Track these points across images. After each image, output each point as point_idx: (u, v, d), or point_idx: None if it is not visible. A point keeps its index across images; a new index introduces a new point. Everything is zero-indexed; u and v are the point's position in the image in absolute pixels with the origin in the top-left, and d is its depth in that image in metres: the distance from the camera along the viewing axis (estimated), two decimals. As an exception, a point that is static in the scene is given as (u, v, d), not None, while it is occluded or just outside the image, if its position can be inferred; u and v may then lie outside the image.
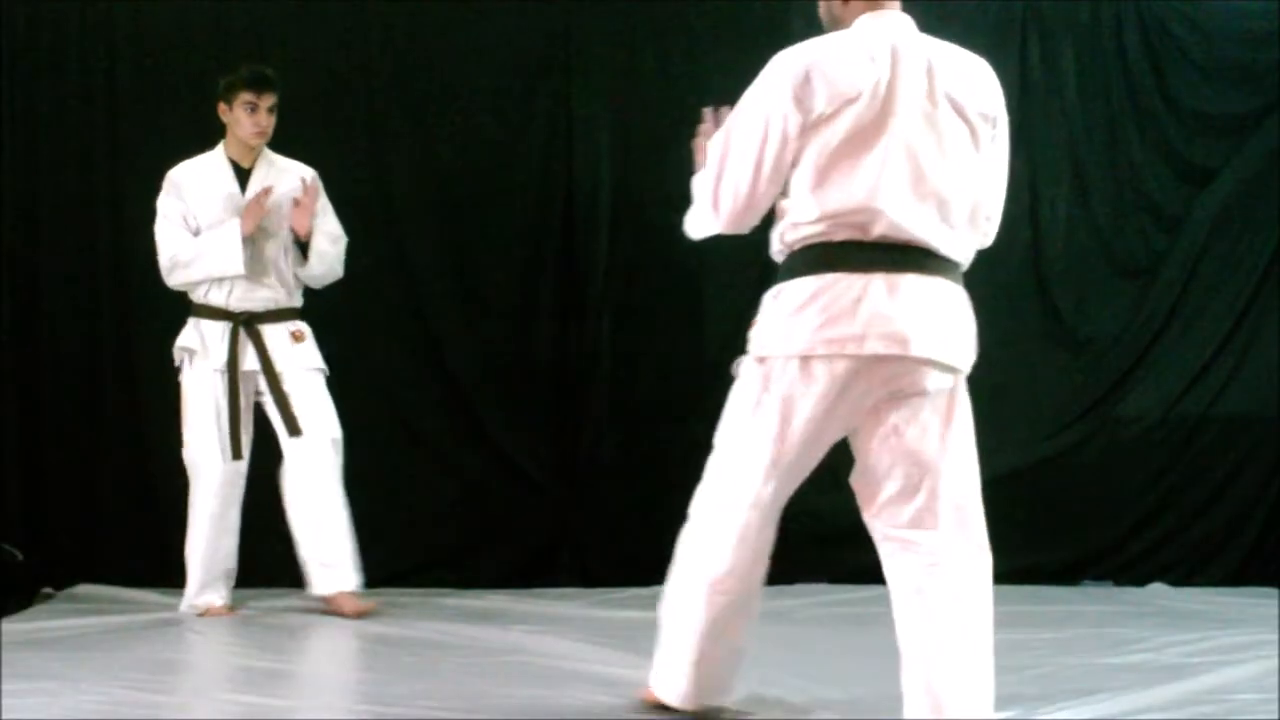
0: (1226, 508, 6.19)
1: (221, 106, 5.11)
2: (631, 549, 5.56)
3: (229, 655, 4.27)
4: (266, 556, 5.24)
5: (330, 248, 5.16)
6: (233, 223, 5.01)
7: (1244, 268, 6.25)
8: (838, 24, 3.29)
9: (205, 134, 5.96)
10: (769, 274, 6.15)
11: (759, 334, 3.20)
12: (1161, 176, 6.30)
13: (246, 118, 5.07)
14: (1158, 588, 5.96)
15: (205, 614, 4.96)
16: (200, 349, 5.06)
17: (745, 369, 3.23)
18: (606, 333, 5.97)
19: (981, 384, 6.15)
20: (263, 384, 5.05)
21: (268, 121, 5.12)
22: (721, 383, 6.42)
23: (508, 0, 6.05)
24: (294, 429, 4.99)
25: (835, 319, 3.04)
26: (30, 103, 5.88)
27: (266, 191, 5.04)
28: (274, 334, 5.09)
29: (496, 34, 6.05)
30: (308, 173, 5.19)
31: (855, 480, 3.24)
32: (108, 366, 5.89)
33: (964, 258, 3.16)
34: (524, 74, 6.09)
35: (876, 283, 3.03)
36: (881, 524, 3.23)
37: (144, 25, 5.94)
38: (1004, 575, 5.83)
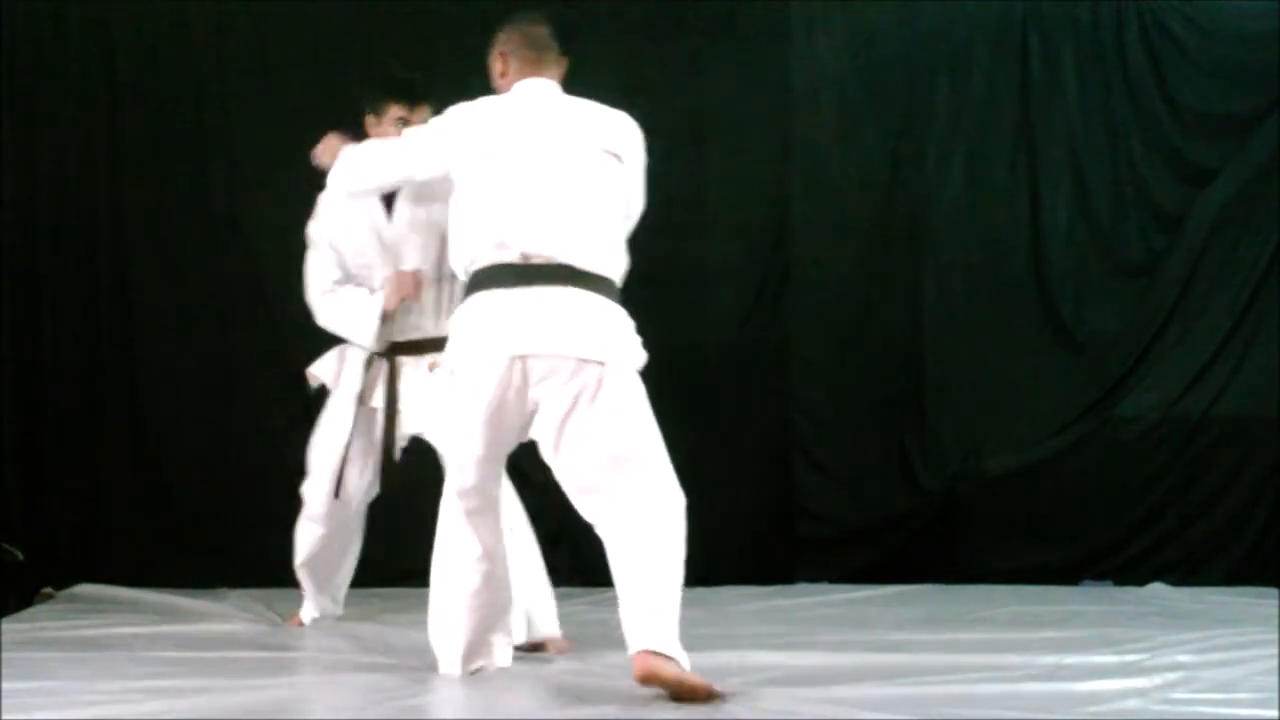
0: (1226, 508, 6.19)
1: (369, 119, 4.60)
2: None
3: (229, 654, 4.26)
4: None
5: None
6: (376, 298, 4.53)
7: (1244, 268, 6.25)
8: (501, 91, 3.97)
9: (205, 134, 5.99)
10: (769, 275, 6.26)
11: (450, 344, 3.80)
12: (1161, 176, 6.30)
13: (397, 135, 4.43)
14: (1158, 588, 5.96)
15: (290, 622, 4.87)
16: (333, 379, 4.68)
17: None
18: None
19: (982, 384, 6.28)
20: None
21: None
22: (721, 382, 6.44)
23: (507, 1, 6.05)
24: (388, 479, 4.70)
25: (485, 328, 3.67)
26: (30, 103, 5.88)
27: (415, 276, 4.50)
28: (412, 367, 4.59)
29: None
30: None
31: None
32: (108, 366, 5.90)
33: (609, 271, 3.73)
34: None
35: (517, 295, 3.65)
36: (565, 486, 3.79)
37: (144, 25, 5.94)
38: (1004, 575, 5.97)
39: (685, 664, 3.49)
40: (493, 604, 3.86)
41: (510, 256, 3.67)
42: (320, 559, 4.84)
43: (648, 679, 3.45)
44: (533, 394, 3.64)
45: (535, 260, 3.66)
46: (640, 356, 3.77)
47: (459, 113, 3.89)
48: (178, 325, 5.91)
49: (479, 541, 3.82)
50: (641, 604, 3.53)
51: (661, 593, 3.55)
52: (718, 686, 3.51)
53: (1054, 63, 6.27)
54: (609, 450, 3.63)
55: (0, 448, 5.78)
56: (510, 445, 3.81)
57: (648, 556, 3.58)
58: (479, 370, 3.66)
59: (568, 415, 3.63)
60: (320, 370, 4.75)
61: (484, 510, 3.83)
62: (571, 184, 3.72)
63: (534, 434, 3.72)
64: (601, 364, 3.64)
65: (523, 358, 3.62)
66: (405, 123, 4.53)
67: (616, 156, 3.79)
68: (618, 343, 3.70)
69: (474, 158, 3.78)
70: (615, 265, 3.76)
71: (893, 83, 6.25)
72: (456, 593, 3.83)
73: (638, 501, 3.62)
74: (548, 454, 3.73)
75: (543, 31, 3.99)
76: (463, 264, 3.80)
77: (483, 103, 3.91)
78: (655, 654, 3.45)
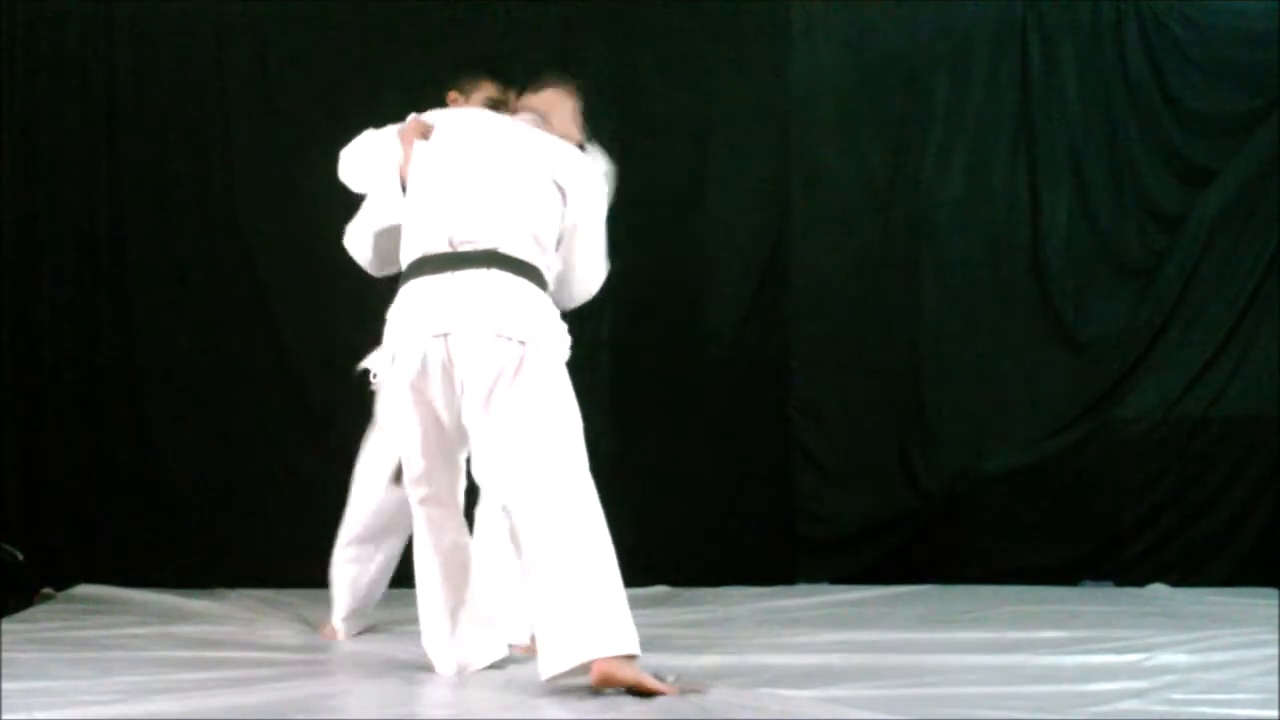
0: (1226, 508, 6.19)
1: (453, 95, 4.47)
2: (630, 548, 5.55)
3: (229, 654, 4.26)
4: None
5: None
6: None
7: (1244, 268, 6.25)
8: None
9: (205, 134, 5.99)
10: (769, 274, 6.26)
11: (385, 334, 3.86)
12: (1161, 176, 6.30)
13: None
14: (1158, 588, 5.96)
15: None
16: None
17: None
18: (606, 332, 5.97)
19: (982, 384, 6.28)
20: None
21: None
22: (721, 382, 6.43)
23: (507, 0, 6.05)
24: None
25: (408, 314, 3.74)
26: (30, 103, 5.88)
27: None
28: None
29: (496, 34, 6.05)
30: None
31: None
32: (108, 366, 5.90)
33: (535, 261, 3.78)
34: (523, 74, 6.07)
35: (442, 279, 3.72)
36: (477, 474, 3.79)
37: (144, 25, 5.95)
38: (1004, 575, 5.97)
39: (636, 648, 3.48)
40: (457, 596, 3.87)
41: (439, 245, 3.75)
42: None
43: (604, 682, 3.46)
44: (458, 375, 3.67)
45: (462, 247, 3.74)
46: (564, 344, 3.79)
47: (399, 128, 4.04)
48: (177, 325, 5.91)
49: (431, 532, 3.87)
50: (573, 613, 3.47)
51: (591, 594, 3.49)
52: (672, 688, 3.50)
53: (1054, 63, 6.27)
54: (525, 432, 3.61)
55: (0, 448, 5.78)
56: (456, 432, 3.77)
57: (566, 558, 3.53)
58: (403, 351, 3.72)
59: (490, 394, 3.63)
60: (374, 362, 4.52)
61: (438, 500, 3.86)
62: (502, 181, 3.80)
63: (465, 420, 3.70)
64: (523, 343, 3.66)
65: (444, 335, 3.67)
66: (496, 104, 4.38)
67: (560, 189, 3.86)
68: (539, 325, 3.72)
69: (418, 161, 3.89)
70: (542, 259, 3.81)
71: (893, 83, 6.26)
72: (424, 583, 3.89)
73: (549, 499, 3.59)
74: (475, 440, 3.70)
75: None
76: (403, 258, 3.87)
77: (433, 113, 4.11)
78: (610, 659, 3.44)
